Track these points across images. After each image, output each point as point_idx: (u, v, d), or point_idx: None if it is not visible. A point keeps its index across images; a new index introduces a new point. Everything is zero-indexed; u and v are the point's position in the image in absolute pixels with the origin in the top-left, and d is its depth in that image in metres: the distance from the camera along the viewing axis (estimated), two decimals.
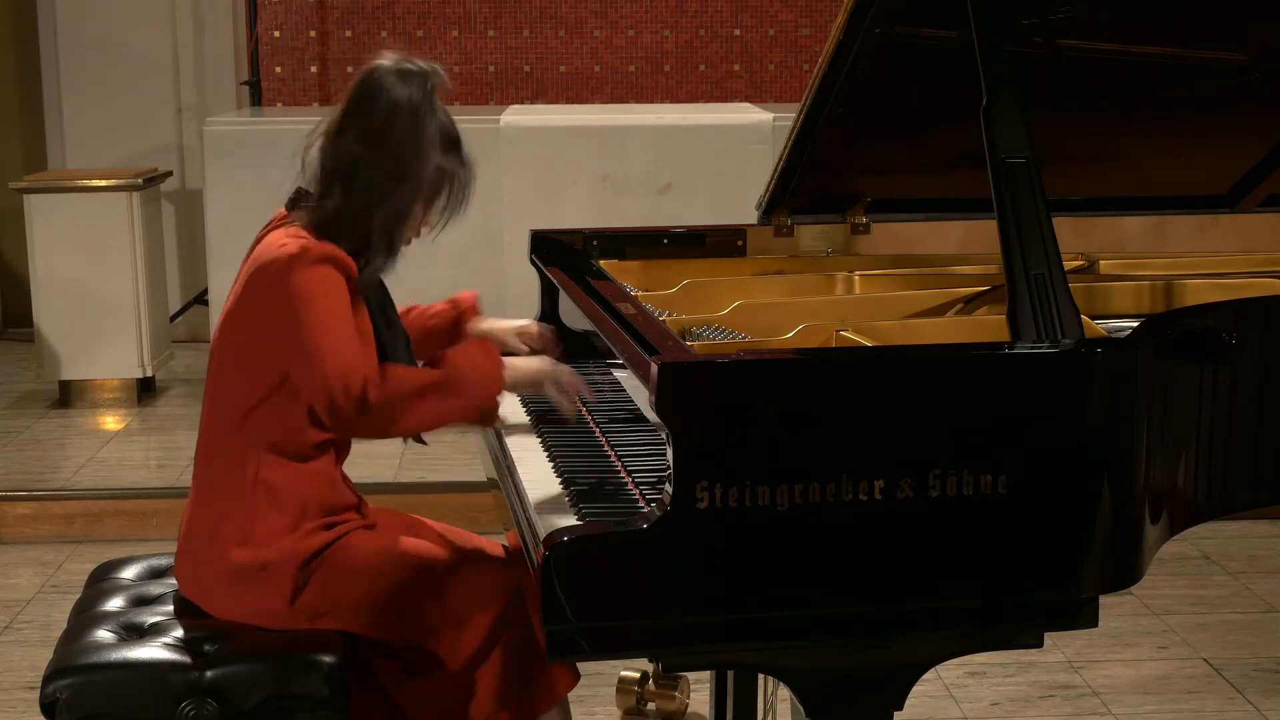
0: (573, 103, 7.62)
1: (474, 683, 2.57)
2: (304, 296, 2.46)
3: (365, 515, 2.66)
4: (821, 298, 2.94)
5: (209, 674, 2.43)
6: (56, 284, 6.19)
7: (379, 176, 2.53)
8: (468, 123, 5.40)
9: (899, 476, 2.03)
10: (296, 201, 2.61)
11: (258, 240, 2.61)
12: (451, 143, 2.61)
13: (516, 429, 2.75)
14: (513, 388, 2.62)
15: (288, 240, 2.52)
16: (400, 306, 2.79)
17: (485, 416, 2.57)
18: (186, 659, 2.46)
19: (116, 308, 6.21)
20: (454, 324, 2.90)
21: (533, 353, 2.84)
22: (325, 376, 2.43)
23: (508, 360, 2.60)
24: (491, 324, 2.91)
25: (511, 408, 2.89)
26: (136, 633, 2.56)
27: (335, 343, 2.45)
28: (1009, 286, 2.24)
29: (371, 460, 4.93)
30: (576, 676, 2.64)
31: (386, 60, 2.59)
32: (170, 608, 2.63)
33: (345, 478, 2.66)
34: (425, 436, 2.63)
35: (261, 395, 2.53)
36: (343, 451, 2.65)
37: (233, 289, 2.61)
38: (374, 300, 2.61)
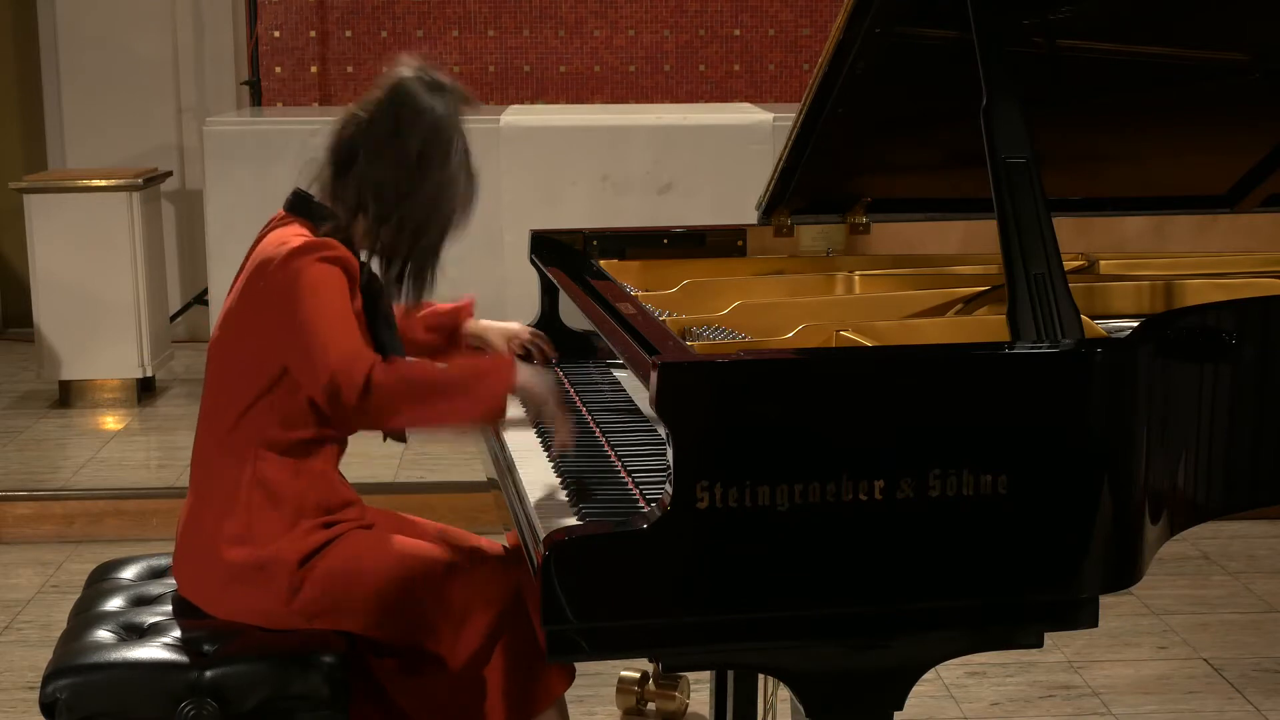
0: (573, 103, 7.61)
1: (474, 682, 2.57)
2: (305, 289, 2.45)
3: (363, 515, 2.66)
4: (821, 298, 2.94)
5: (209, 674, 2.43)
6: (56, 284, 6.19)
7: (418, 206, 2.53)
8: (468, 123, 5.42)
9: (899, 476, 2.02)
10: (296, 203, 2.60)
11: (258, 240, 2.61)
12: (469, 159, 2.60)
13: (517, 429, 2.75)
14: (519, 392, 2.55)
15: (289, 238, 2.52)
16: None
17: (489, 414, 2.50)
18: (186, 659, 2.46)
19: (116, 308, 6.21)
20: (455, 323, 2.91)
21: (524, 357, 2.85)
22: (327, 360, 2.41)
23: (523, 366, 2.58)
24: (485, 325, 2.91)
25: (512, 407, 2.89)
26: (136, 633, 2.56)
27: (338, 330, 2.44)
28: (1009, 286, 2.24)
29: (371, 460, 4.93)
30: (572, 675, 2.64)
31: (412, 74, 2.55)
32: (170, 608, 2.63)
33: (342, 478, 2.65)
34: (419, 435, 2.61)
35: (260, 391, 2.52)
36: (340, 450, 2.65)
37: (232, 288, 2.61)
38: (371, 298, 2.60)
